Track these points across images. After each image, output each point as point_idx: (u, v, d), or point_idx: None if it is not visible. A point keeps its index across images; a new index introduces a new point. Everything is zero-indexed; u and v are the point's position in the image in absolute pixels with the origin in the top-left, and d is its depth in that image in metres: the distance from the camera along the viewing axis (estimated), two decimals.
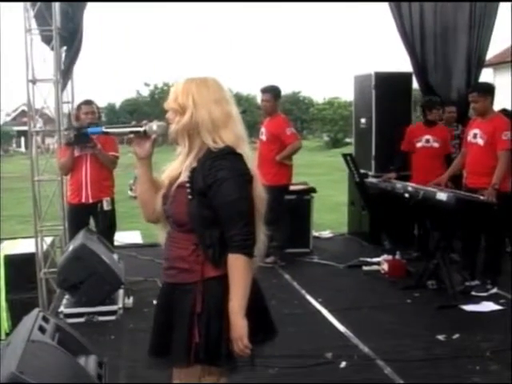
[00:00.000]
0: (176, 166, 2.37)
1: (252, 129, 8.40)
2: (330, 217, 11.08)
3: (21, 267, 6.94)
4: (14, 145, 55.09)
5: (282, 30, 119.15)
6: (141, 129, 2.30)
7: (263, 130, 7.20)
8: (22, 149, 47.61)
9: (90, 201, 6.29)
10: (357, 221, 8.50)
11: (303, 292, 6.10)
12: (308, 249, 7.68)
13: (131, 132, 2.33)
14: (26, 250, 7.10)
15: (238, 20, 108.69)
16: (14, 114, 55.56)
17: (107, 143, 6.31)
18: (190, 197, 2.22)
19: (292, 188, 7.44)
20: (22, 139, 47.31)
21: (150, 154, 2.36)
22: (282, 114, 7.38)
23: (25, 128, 7.81)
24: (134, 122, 2.28)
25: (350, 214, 8.90)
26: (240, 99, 50.76)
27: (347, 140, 38.96)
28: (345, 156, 7.47)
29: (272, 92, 7.12)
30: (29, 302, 6.40)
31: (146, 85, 57.27)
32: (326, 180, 14.92)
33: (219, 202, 2.18)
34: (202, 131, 2.25)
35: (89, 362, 3.02)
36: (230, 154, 2.22)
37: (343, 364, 4.24)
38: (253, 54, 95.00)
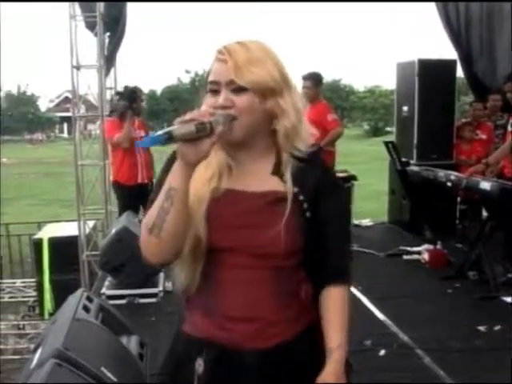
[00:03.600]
0: (216, 170, 1.66)
1: None
2: (371, 205, 11.02)
3: (64, 250, 7.16)
4: (57, 131, 55.49)
5: (323, 17, 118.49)
6: (206, 121, 1.46)
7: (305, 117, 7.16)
8: (65, 134, 47.75)
9: (146, 181, 6.44)
10: (397, 209, 8.41)
11: None
12: None
13: (197, 131, 1.45)
14: (69, 233, 7.33)
15: (279, 8, 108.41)
16: (57, 101, 55.61)
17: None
18: (308, 214, 1.63)
19: None
20: (65, 125, 47.96)
21: (205, 157, 1.50)
22: (323, 100, 7.34)
23: (68, 114, 7.88)
24: (179, 119, 1.43)
25: (390, 202, 8.81)
26: None
27: (388, 129, 38.60)
28: (386, 143, 7.41)
29: (313, 79, 7.10)
30: (71, 284, 6.56)
31: (187, 72, 57.65)
32: (366, 169, 14.80)
33: (333, 215, 1.68)
34: (301, 121, 1.67)
35: (131, 342, 3.07)
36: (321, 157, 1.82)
37: (382, 352, 4.22)
38: (294, 42, 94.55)
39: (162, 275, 5.75)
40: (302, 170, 1.65)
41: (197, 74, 56.18)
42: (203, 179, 1.62)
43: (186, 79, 57.69)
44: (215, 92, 1.59)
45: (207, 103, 1.59)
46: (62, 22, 7.20)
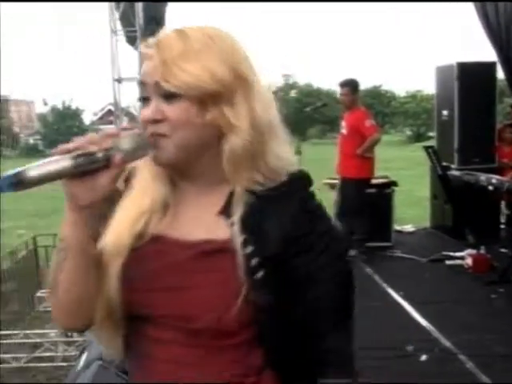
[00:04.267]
0: (146, 206, 1.22)
1: (333, 124, 8.46)
2: (413, 211, 10.92)
3: None
4: None
5: (362, 23, 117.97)
6: (95, 150, 1.08)
7: (343, 123, 7.21)
8: None
9: None
10: (439, 215, 8.35)
11: (384, 285, 6.07)
12: (389, 243, 7.58)
13: (77, 166, 1.06)
14: None
15: (319, 14, 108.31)
16: (100, 114, 56.66)
17: None
18: (260, 274, 1.14)
19: (373, 181, 7.39)
20: None
21: (106, 195, 1.11)
22: (361, 106, 7.35)
23: (111, 126, 8.09)
24: (56, 149, 1.06)
25: (432, 207, 8.75)
26: (320, 94, 50.62)
27: (430, 134, 38.12)
28: (426, 148, 7.38)
29: (349, 85, 7.12)
30: None
31: None
32: (408, 175, 14.68)
33: (319, 274, 1.20)
34: (263, 138, 1.20)
35: None
36: (310, 186, 1.29)
37: (424, 357, 4.21)
38: (333, 49, 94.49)
39: None
40: (259, 211, 1.17)
41: None
42: (128, 221, 1.20)
43: None
44: (146, 100, 1.17)
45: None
46: (104, 37, 7.42)
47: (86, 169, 1.06)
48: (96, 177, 1.07)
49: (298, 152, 7.92)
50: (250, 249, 1.14)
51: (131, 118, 8.01)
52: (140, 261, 1.18)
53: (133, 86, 7.33)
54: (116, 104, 7.31)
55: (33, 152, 36.74)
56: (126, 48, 7.45)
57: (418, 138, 42.14)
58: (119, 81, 7.12)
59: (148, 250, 1.19)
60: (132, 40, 7.43)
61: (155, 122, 1.14)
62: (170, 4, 7.57)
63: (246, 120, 1.16)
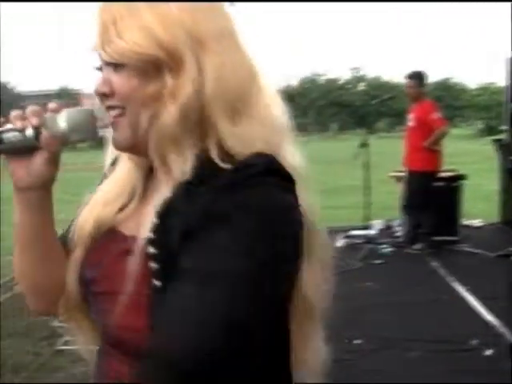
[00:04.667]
0: (112, 196, 1.11)
1: (401, 117, 8.38)
2: (481, 205, 10.71)
3: None
4: None
5: (432, 15, 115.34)
6: (20, 127, 0.99)
7: (410, 116, 7.16)
8: None
9: None
10: (508, 210, 8.18)
11: (450, 279, 6.02)
12: (456, 237, 7.48)
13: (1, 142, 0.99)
14: None
15: (389, 6, 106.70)
16: None
17: None
18: (157, 282, 0.94)
19: (441, 175, 7.30)
20: None
21: (45, 179, 1.04)
22: (428, 99, 7.28)
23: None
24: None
25: (501, 202, 8.58)
26: (389, 87, 49.91)
27: (503, 127, 37.11)
28: (495, 142, 7.25)
29: (416, 77, 7.06)
30: None
31: (293, 75, 58.19)
32: (478, 168, 14.34)
33: (182, 272, 0.91)
34: (212, 114, 0.98)
35: None
36: (265, 177, 0.94)
37: (488, 352, 4.18)
38: (402, 41, 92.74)
39: None
40: (177, 202, 0.97)
41: (305, 77, 56.45)
42: (93, 209, 1.11)
43: (293, 82, 58.21)
44: (101, 70, 1.03)
45: None
46: None
47: (15, 147, 0.98)
48: (30, 158, 1.00)
49: (365, 145, 7.93)
50: (151, 250, 0.95)
51: None
52: (90, 254, 1.08)
53: None
54: None
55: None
56: None
57: (490, 131, 41.00)
58: None
59: (100, 242, 1.08)
60: None
61: (105, 95, 1.00)
62: None
63: (189, 91, 0.95)
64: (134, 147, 1.02)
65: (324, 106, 61.79)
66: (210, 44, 0.97)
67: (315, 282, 1.07)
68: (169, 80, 0.95)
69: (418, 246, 7.06)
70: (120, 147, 1.04)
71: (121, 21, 0.96)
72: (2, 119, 0.99)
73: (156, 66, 0.95)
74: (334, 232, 8.18)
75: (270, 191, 0.93)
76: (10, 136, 0.97)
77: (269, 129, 1.00)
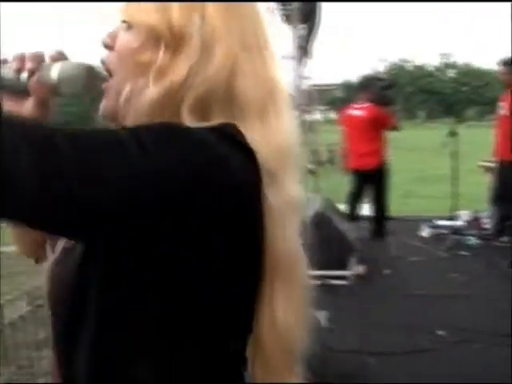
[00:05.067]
0: None
1: (493, 105, 8.09)
2: None
3: None
4: None
5: None
6: (9, 76, 1.01)
7: (502, 104, 6.93)
8: None
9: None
10: None
11: None
12: None
13: None
14: None
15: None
16: None
17: None
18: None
19: None
20: None
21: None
22: None
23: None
24: None
25: None
26: (480, 74, 48.21)
27: None
28: None
29: (509, 64, 6.82)
30: None
31: (381, 61, 57.13)
32: None
33: None
34: (207, 111, 0.93)
35: (320, 317, 3.26)
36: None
37: None
38: (493, 27, 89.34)
39: (354, 259, 5.94)
40: None
41: (392, 63, 55.44)
42: None
43: (381, 68, 57.23)
44: None
45: None
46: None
47: (9, 86, 1.00)
48: (25, 100, 1.01)
49: (454, 134, 7.74)
50: None
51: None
52: None
53: (288, 64, 7.49)
54: None
55: None
56: (281, 25, 7.60)
57: None
58: None
59: None
60: (288, 18, 7.56)
61: (107, 47, 1.00)
62: None
63: (181, 75, 0.92)
64: (114, 117, 1.00)
65: (412, 93, 60.48)
66: (229, 42, 0.94)
67: (287, 237, 0.95)
68: (162, 56, 0.93)
69: (505, 238, 6.85)
70: (102, 114, 1.02)
71: None
72: (3, 58, 1.01)
73: (155, 37, 0.94)
74: (419, 221, 8.08)
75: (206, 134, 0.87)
76: (7, 75, 0.99)
77: (270, 148, 0.93)
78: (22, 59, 0.99)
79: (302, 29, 7.71)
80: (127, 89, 0.95)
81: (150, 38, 0.94)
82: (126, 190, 0.78)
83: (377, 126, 6.98)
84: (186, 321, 0.90)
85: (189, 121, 0.90)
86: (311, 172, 7.58)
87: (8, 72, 0.99)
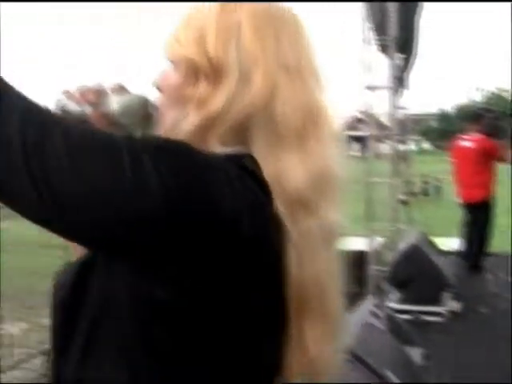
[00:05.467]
0: None
1: None
2: None
3: (351, 262, 7.42)
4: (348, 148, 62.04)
5: None
6: (80, 108, 1.07)
7: None
8: (355, 153, 55.04)
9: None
10: None
11: None
12: None
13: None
14: (357, 247, 7.50)
15: None
16: (347, 120, 62.18)
17: None
18: None
19: None
20: (355, 144, 55.59)
21: None
22: None
23: (357, 133, 8.25)
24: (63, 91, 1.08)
25: None
26: None
27: None
28: None
29: None
30: (356, 295, 6.72)
31: (478, 90, 55.67)
32: None
33: None
34: (254, 134, 0.93)
35: (414, 353, 3.17)
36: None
37: None
38: None
39: (449, 295, 5.75)
40: None
41: (490, 92, 54.00)
42: None
43: (478, 97, 55.67)
44: None
45: None
46: (355, 45, 7.63)
47: (74, 118, 1.04)
48: None
49: None
50: None
51: (378, 124, 8.09)
52: None
53: (383, 94, 7.42)
54: (367, 111, 7.44)
55: None
56: (377, 55, 7.56)
57: None
58: (371, 89, 7.21)
59: None
60: (384, 48, 7.50)
61: (158, 89, 1.03)
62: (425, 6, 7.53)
63: (219, 105, 0.92)
64: None
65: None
66: (268, 67, 0.93)
67: (317, 267, 0.93)
68: (202, 89, 0.94)
69: None
70: None
71: (186, 23, 0.99)
72: (69, 91, 1.05)
73: (196, 71, 0.95)
74: None
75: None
76: (71, 107, 1.03)
77: (310, 176, 0.91)
78: (84, 92, 1.04)
79: (398, 59, 7.67)
80: (171, 118, 0.98)
81: (191, 71, 0.96)
82: (108, 198, 0.77)
83: (486, 158, 6.84)
84: (186, 354, 0.86)
85: (226, 147, 0.91)
86: (403, 202, 7.49)
87: (72, 104, 1.03)
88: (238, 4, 0.97)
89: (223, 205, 0.80)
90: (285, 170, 0.89)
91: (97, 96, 1.03)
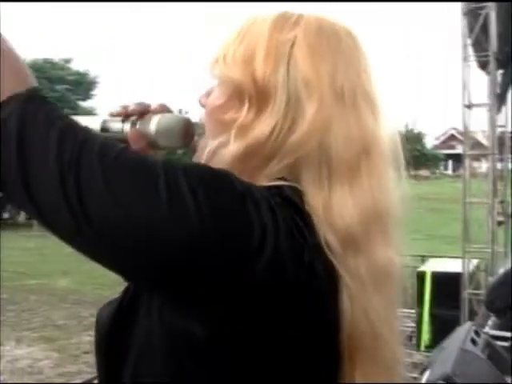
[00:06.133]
0: None
1: None
2: None
3: (446, 285, 7.23)
4: (442, 167, 57.58)
5: None
6: (123, 125, 1.02)
7: None
8: (449, 171, 51.35)
9: None
10: None
11: None
12: None
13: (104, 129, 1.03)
14: (452, 269, 7.38)
15: None
16: (442, 138, 57.18)
17: None
18: None
19: None
20: (450, 162, 52.40)
21: None
22: None
23: (452, 151, 8.32)
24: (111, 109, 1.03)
25: None
26: None
27: None
28: None
29: None
30: (450, 319, 6.58)
31: None
32: None
33: None
34: (305, 169, 0.86)
35: None
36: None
37: None
38: None
39: None
40: None
41: None
42: None
43: None
44: None
45: None
46: (454, 63, 7.51)
47: (115, 136, 0.99)
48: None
49: None
50: None
51: (475, 143, 7.44)
52: None
53: (481, 112, 7.26)
54: (465, 130, 7.22)
55: None
56: (476, 72, 7.45)
57: None
58: (469, 107, 7.23)
59: None
60: (484, 65, 7.17)
61: (202, 106, 0.98)
62: None
63: (263, 133, 0.85)
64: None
65: None
66: (321, 95, 0.86)
67: (370, 310, 0.84)
68: (245, 113, 0.87)
69: None
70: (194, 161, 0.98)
71: (234, 41, 0.92)
72: (113, 110, 1.02)
73: (241, 93, 0.89)
74: None
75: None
76: (112, 126, 1.01)
77: (361, 211, 0.85)
78: (126, 110, 1.00)
79: (498, 75, 7.17)
80: (212, 144, 0.91)
81: (235, 93, 0.89)
82: (143, 228, 0.73)
83: None
84: None
85: (269, 179, 0.86)
86: (500, 223, 7.47)
87: (114, 122, 1.01)
88: (294, 18, 0.90)
89: (265, 240, 0.75)
90: (334, 205, 0.83)
91: (138, 114, 1.00)
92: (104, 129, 1.02)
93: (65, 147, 0.75)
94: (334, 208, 0.83)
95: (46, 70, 29.06)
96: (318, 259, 0.80)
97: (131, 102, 1.02)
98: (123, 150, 0.79)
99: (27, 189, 0.75)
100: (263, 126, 0.86)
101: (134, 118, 1.01)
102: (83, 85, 31.12)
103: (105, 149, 0.77)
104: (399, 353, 0.91)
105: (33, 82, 0.82)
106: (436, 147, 58.73)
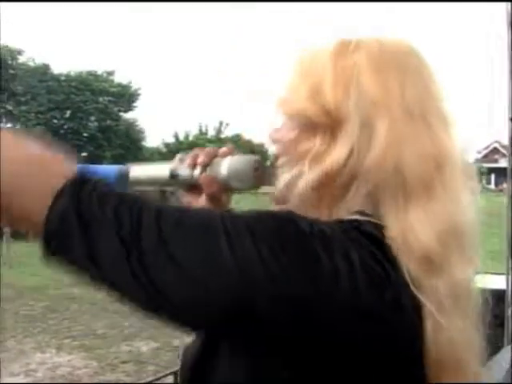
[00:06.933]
0: None
1: None
2: None
3: (490, 302, 6.82)
4: (484, 181, 51.96)
5: None
6: (194, 172, 1.02)
7: None
8: (492, 185, 49.62)
9: None
10: None
11: None
12: None
13: (172, 176, 1.04)
14: (496, 285, 6.69)
15: None
16: (485, 152, 53.28)
17: None
18: None
19: None
20: (492, 176, 50.38)
21: None
22: None
23: (496, 165, 8.22)
24: (178, 156, 1.05)
25: None
26: None
27: None
28: None
29: None
30: (494, 338, 6.57)
31: None
32: None
33: None
34: (383, 196, 0.85)
35: None
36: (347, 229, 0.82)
37: None
38: None
39: None
40: None
41: None
42: None
43: None
44: None
45: None
46: (500, 75, 7.22)
47: (185, 182, 1.02)
48: (197, 195, 1.01)
49: None
50: None
51: None
52: None
53: None
54: (510, 143, 7.12)
55: None
56: None
57: None
58: None
59: None
60: None
61: (273, 142, 0.97)
62: None
63: (338, 160, 0.85)
64: (277, 201, 0.94)
65: None
66: (392, 114, 0.85)
67: (452, 332, 0.81)
68: (319, 142, 0.87)
69: None
70: (270, 199, 0.97)
71: (297, 75, 0.92)
72: (181, 156, 1.03)
73: (313, 126, 0.88)
74: None
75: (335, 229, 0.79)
76: (182, 172, 1.01)
77: (438, 230, 0.82)
78: (195, 155, 1.01)
79: None
80: (287, 177, 0.90)
81: (307, 126, 0.89)
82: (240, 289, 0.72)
83: None
84: None
85: (348, 209, 0.85)
86: None
87: (184, 169, 1.02)
88: (353, 43, 0.90)
89: (339, 283, 0.73)
90: (411, 228, 0.81)
91: (207, 158, 1.00)
92: (173, 175, 1.02)
93: (123, 220, 0.73)
94: (411, 233, 0.81)
95: (90, 83, 30.12)
96: (403, 293, 0.78)
97: (199, 150, 1.03)
98: (179, 211, 0.79)
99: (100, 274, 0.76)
100: (339, 151, 0.85)
101: (203, 161, 1.01)
102: (125, 96, 31.94)
103: (161, 214, 0.75)
104: (480, 374, 0.90)
105: (71, 166, 0.78)
106: (478, 161, 57.72)
